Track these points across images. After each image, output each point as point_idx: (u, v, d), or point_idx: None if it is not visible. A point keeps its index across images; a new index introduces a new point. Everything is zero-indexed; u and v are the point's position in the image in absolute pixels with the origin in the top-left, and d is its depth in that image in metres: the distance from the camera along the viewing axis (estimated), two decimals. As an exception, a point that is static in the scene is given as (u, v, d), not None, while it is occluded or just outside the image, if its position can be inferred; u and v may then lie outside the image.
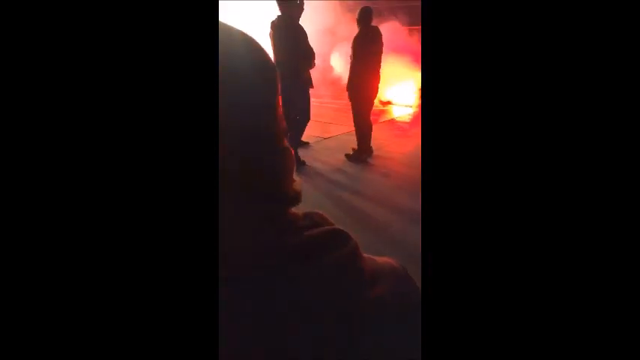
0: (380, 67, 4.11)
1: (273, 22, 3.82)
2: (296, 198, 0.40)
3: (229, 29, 0.37)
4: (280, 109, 0.40)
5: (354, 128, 4.42)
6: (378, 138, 4.47)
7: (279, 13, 3.79)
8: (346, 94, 4.25)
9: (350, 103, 4.26)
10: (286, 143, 0.40)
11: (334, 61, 7.12)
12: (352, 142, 4.54)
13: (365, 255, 0.41)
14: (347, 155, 4.51)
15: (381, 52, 4.07)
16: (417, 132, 5.69)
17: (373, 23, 4.05)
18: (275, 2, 3.74)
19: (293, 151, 0.41)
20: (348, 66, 4.10)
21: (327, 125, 6.06)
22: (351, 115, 4.36)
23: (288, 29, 3.69)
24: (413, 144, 5.16)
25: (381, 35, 4.04)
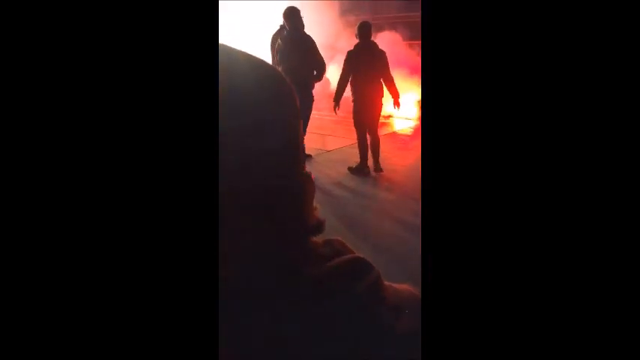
0: (379, 81, 4.09)
1: (277, 35, 3.85)
2: (318, 227, 0.38)
3: (231, 51, 0.36)
4: (301, 132, 0.38)
5: (355, 141, 4.41)
6: (381, 151, 4.46)
7: (281, 23, 3.82)
8: (344, 106, 4.23)
9: (352, 116, 4.25)
10: (307, 169, 0.39)
11: (330, 74, 7.16)
12: (355, 155, 4.53)
13: (385, 283, 0.40)
14: (350, 168, 4.49)
15: (382, 67, 4.05)
16: (418, 144, 5.69)
17: (374, 37, 4.08)
18: (276, 5, 3.77)
19: (313, 176, 0.39)
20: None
21: (328, 138, 6.07)
22: (351, 128, 4.36)
23: (295, 41, 3.70)
24: (415, 156, 5.15)
25: (379, 50, 4.04)
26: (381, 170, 4.38)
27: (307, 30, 3.92)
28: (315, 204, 0.39)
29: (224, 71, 0.33)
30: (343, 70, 4.03)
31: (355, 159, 4.50)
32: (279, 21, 4.03)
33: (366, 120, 4.20)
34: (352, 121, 4.27)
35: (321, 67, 3.90)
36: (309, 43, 3.80)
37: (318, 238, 0.39)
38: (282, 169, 0.35)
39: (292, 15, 3.75)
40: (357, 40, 4.05)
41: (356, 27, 4.06)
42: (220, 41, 0.36)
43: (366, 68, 3.98)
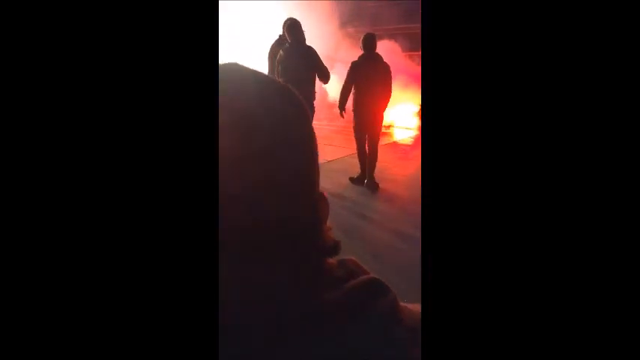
0: (383, 94, 4.08)
1: (277, 46, 3.86)
2: (334, 249, 0.38)
3: (237, 70, 0.35)
4: (316, 150, 0.37)
5: (355, 151, 4.40)
6: (382, 161, 4.46)
7: (280, 33, 3.84)
8: (341, 117, 4.22)
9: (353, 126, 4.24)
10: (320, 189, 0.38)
11: (329, 85, 7.15)
12: (355, 165, 4.52)
13: (401, 304, 0.39)
14: (351, 179, 4.47)
15: (384, 79, 4.04)
16: (419, 154, 5.69)
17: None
18: (276, 6, 3.79)
19: (326, 194, 0.39)
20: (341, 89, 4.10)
21: (327, 147, 6.07)
22: (351, 137, 4.35)
23: (297, 53, 3.73)
24: (415, 166, 5.16)
25: (384, 63, 4.04)
26: (375, 186, 4.31)
27: (307, 41, 3.94)
28: (328, 223, 0.38)
29: (232, 93, 0.32)
30: (347, 78, 4.02)
31: (356, 169, 4.49)
32: (278, 22, 4.04)
33: (367, 131, 4.18)
34: (352, 130, 4.26)
35: (326, 75, 3.91)
36: (311, 54, 3.82)
37: (332, 259, 0.38)
38: (298, 192, 0.34)
39: (294, 27, 3.78)
40: (355, 51, 4.06)
41: (361, 39, 4.05)
42: (227, 60, 0.36)
43: (368, 79, 3.98)
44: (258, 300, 0.32)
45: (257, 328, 0.31)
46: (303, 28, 3.85)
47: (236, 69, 0.35)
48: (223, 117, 0.31)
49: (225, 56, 0.37)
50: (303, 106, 0.37)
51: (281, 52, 3.79)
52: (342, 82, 4.09)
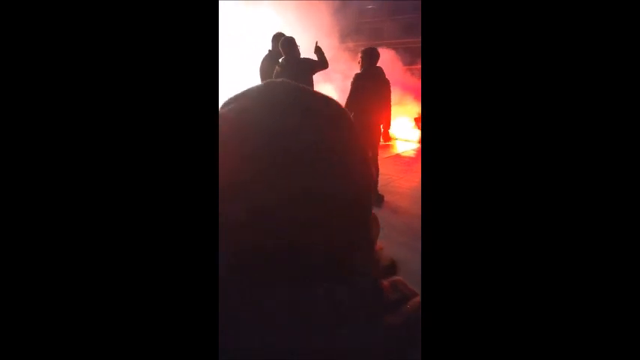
0: (384, 107, 4.06)
1: (268, 61, 3.90)
2: (392, 267, 0.37)
3: (294, 87, 0.35)
4: (372, 171, 0.37)
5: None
6: (385, 173, 4.44)
7: (270, 48, 3.89)
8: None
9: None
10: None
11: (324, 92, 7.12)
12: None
13: None
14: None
15: (385, 95, 4.03)
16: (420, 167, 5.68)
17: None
18: (274, 6, 3.83)
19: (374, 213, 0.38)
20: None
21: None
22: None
23: (295, 68, 3.77)
24: (418, 178, 5.14)
25: (385, 78, 4.03)
26: (380, 199, 4.25)
27: (307, 54, 3.97)
28: (379, 243, 0.38)
29: (284, 109, 0.32)
30: (352, 91, 3.99)
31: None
32: (277, 22, 4.05)
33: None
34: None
35: (323, 63, 3.95)
36: (307, 63, 3.87)
37: (385, 281, 0.37)
38: (356, 211, 0.34)
39: (289, 44, 3.82)
40: (354, 64, 4.06)
41: (362, 52, 4.05)
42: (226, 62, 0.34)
43: (370, 93, 3.97)
44: (316, 324, 0.31)
45: (316, 354, 0.30)
46: (305, 40, 3.90)
47: (287, 86, 0.35)
48: (284, 138, 0.31)
49: (225, 60, 0.34)
50: (353, 122, 0.37)
51: (277, 67, 3.83)
52: (340, 93, 4.08)
